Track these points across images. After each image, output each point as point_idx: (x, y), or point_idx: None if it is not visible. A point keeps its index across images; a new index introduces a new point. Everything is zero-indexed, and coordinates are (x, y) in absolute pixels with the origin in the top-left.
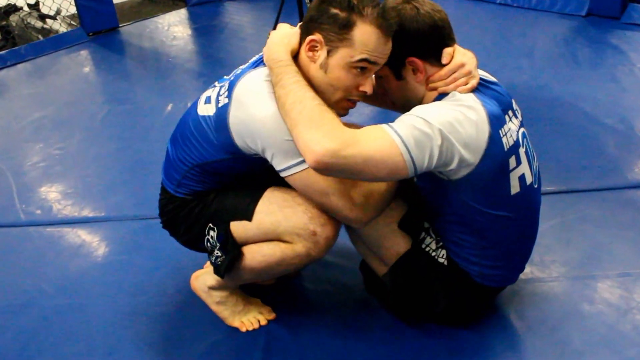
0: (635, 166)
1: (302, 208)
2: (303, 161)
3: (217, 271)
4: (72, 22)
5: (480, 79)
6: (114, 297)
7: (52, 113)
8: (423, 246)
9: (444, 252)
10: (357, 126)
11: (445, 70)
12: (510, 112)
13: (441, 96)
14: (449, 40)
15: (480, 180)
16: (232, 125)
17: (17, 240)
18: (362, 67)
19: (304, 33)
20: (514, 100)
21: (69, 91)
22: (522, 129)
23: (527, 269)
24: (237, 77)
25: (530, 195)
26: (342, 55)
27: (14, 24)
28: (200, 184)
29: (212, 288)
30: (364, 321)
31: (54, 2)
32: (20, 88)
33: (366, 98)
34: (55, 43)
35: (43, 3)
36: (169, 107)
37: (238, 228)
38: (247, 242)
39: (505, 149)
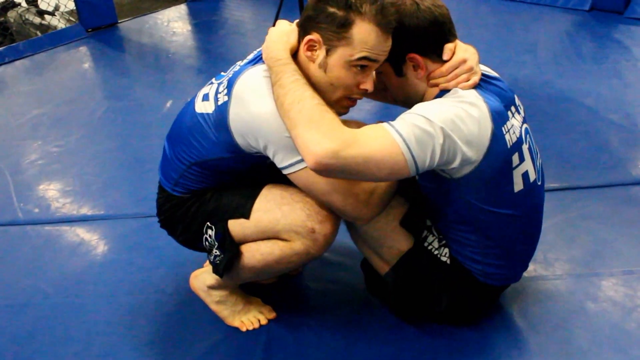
0: (639, 162)
1: (300, 205)
2: None
3: (216, 270)
4: (71, 18)
5: (482, 74)
6: (112, 297)
7: (51, 110)
8: (425, 244)
9: (446, 250)
10: (357, 123)
11: (446, 66)
12: (512, 108)
13: (443, 93)
14: (450, 36)
15: (483, 178)
16: (233, 123)
17: (15, 239)
18: (362, 65)
19: (302, 33)
20: (517, 96)
21: (67, 88)
22: (525, 125)
23: (531, 267)
24: (237, 74)
25: (534, 193)
26: (341, 54)
27: (11, 20)
28: (198, 183)
29: (211, 287)
30: (365, 320)
31: None
32: (18, 85)
33: (367, 93)
34: (54, 39)
35: None
36: (169, 104)
37: (236, 226)
38: (245, 241)
39: (508, 146)
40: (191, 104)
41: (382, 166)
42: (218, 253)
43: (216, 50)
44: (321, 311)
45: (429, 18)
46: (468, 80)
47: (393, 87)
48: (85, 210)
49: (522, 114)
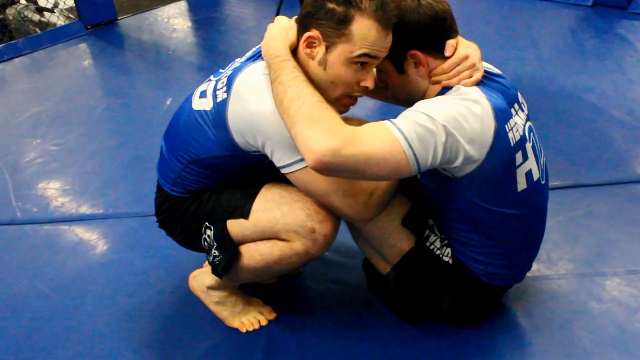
0: None
1: (299, 205)
2: None
3: (215, 271)
4: (70, 15)
5: (485, 71)
6: (112, 297)
7: (50, 108)
8: (427, 244)
9: (448, 250)
10: (359, 121)
11: (448, 63)
12: (516, 106)
13: (444, 90)
14: (451, 32)
15: (486, 177)
16: (231, 120)
17: (13, 238)
18: (362, 62)
19: (301, 29)
20: (520, 93)
21: (67, 85)
22: (528, 123)
23: (534, 266)
24: (236, 71)
25: (538, 192)
26: (341, 50)
27: (10, 17)
28: (197, 182)
29: (210, 288)
30: (367, 321)
31: None
32: (17, 82)
33: (368, 92)
34: (53, 36)
35: None
36: (169, 101)
37: (235, 226)
38: (244, 241)
39: (512, 144)
40: (188, 101)
41: (384, 165)
42: (217, 253)
43: (217, 47)
44: (322, 312)
45: (430, 14)
46: (470, 77)
47: (394, 85)
48: (85, 209)
49: (526, 111)
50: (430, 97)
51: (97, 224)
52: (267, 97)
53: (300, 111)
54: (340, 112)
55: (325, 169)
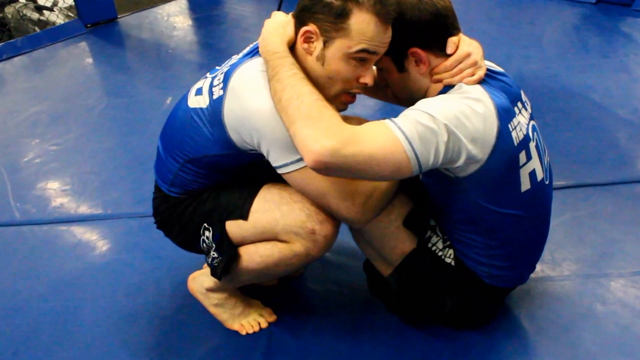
0: None
1: (299, 205)
2: (301, 159)
3: (213, 273)
4: (70, 14)
5: (487, 69)
6: (110, 299)
7: (49, 107)
8: (429, 245)
9: (451, 251)
10: (359, 119)
11: (450, 60)
12: (519, 104)
13: (446, 88)
14: (453, 29)
15: (489, 177)
16: (227, 118)
17: (11, 239)
18: (361, 57)
19: (298, 24)
20: (523, 92)
21: (66, 85)
22: (532, 122)
23: (538, 268)
24: (233, 68)
25: (541, 192)
26: (339, 46)
27: (9, 16)
28: (194, 183)
29: (210, 290)
30: (368, 323)
31: None
32: (16, 82)
33: (367, 91)
34: (52, 35)
35: None
36: (169, 100)
37: (234, 228)
38: (243, 242)
39: (515, 144)
40: (184, 99)
41: (384, 165)
42: (216, 255)
43: (217, 45)
44: (323, 314)
45: (431, 10)
46: (473, 75)
47: (395, 83)
48: (84, 210)
49: (529, 110)
50: (431, 96)
51: (96, 225)
52: (264, 94)
53: (299, 110)
54: (339, 110)
55: (324, 169)
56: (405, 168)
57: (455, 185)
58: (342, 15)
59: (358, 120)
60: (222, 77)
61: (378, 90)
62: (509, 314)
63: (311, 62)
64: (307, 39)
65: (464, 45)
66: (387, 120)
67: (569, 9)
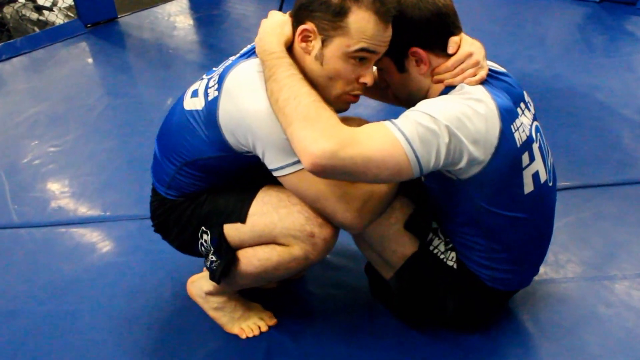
0: None
1: (297, 208)
2: (297, 161)
3: (212, 276)
4: (69, 14)
5: (490, 70)
6: (108, 303)
7: (49, 108)
8: (431, 248)
9: (453, 254)
10: (359, 120)
11: (451, 60)
12: (522, 105)
13: (448, 89)
14: (454, 29)
15: (492, 180)
16: (222, 119)
17: (8, 242)
18: (360, 57)
19: (295, 22)
20: (526, 92)
21: (66, 85)
22: (535, 123)
23: (541, 269)
24: (228, 68)
25: (545, 194)
26: (338, 45)
27: (8, 16)
28: (191, 185)
29: (209, 293)
30: (369, 326)
31: None
32: (15, 82)
33: (367, 91)
34: (52, 35)
35: None
36: (169, 101)
37: (232, 231)
38: (242, 246)
39: (518, 145)
40: (180, 101)
41: (384, 167)
42: (214, 258)
43: (218, 45)
44: (324, 317)
45: (432, 9)
46: (475, 76)
47: (395, 84)
48: (82, 212)
49: (532, 110)
50: (432, 97)
51: (95, 227)
52: (260, 95)
53: (297, 111)
54: (341, 110)
55: (322, 171)
56: (406, 170)
57: (457, 187)
58: (340, 14)
59: (358, 121)
60: (217, 78)
61: (378, 91)
62: (512, 316)
63: (310, 62)
64: (305, 38)
65: (466, 45)
66: (387, 122)
67: (573, 8)
